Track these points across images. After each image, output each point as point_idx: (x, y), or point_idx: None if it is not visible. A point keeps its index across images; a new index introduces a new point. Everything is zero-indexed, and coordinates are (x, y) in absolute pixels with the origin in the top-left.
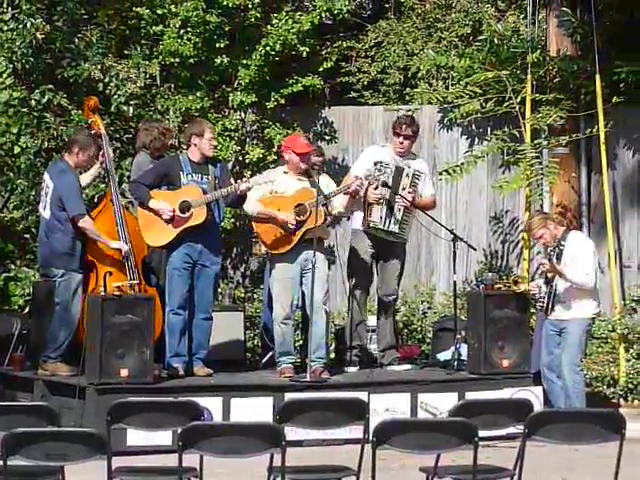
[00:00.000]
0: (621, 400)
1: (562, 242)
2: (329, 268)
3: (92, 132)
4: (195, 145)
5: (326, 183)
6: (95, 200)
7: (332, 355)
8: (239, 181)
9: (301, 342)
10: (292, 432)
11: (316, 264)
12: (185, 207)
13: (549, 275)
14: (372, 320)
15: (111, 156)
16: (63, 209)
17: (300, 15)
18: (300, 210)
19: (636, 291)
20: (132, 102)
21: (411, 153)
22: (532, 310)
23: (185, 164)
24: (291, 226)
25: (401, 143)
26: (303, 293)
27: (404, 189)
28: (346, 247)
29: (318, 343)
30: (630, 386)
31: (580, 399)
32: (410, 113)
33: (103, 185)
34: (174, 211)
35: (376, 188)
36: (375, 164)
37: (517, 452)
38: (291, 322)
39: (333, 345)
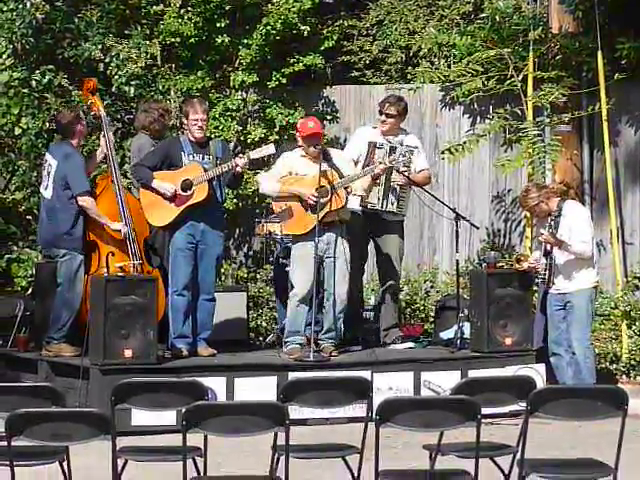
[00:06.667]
0: (623, 376)
1: (559, 213)
2: None
3: (92, 113)
4: (185, 127)
5: (340, 160)
6: (95, 181)
7: None
8: (237, 157)
9: (311, 321)
10: (296, 411)
11: (338, 247)
12: (187, 185)
13: (548, 247)
14: (373, 299)
15: (111, 137)
16: (67, 188)
17: None
18: (321, 192)
19: (638, 268)
20: (133, 82)
21: (401, 129)
22: (534, 288)
23: (186, 145)
24: (311, 201)
25: (383, 122)
26: (324, 275)
27: (398, 169)
28: None
29: (332, 324)
30: (633, 363)
31: (591, 373)
32: (396, 93)
33: (105, 166)
34: (176, 190)
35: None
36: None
37: (520, 429)
38: (306, 303)
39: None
